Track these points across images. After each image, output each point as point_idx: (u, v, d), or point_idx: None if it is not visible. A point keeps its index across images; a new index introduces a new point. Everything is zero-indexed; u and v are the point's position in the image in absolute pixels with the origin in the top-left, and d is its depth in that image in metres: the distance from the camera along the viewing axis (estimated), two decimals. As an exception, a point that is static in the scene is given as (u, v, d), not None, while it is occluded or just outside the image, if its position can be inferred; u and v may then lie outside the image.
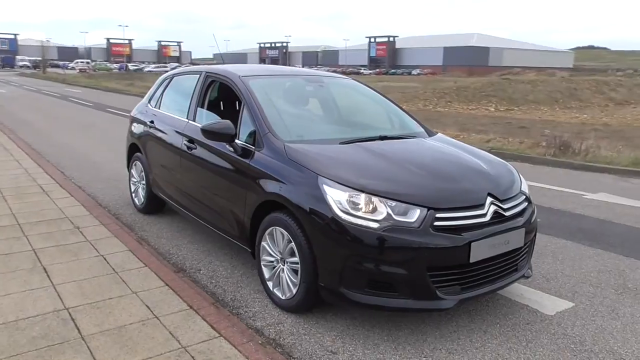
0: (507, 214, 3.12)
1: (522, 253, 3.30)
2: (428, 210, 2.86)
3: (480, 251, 2.93)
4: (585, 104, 29.07)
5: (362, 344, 2.96)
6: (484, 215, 3.00)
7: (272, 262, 3.41)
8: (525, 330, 3.15)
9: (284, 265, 3.31)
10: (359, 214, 2.85)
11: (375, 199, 2.88)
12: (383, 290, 2.85)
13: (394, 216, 2.83)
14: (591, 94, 31.97)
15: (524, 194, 3.39)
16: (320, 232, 2.94)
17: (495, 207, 3.07)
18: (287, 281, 3.27)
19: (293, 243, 3.14)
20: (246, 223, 3.58)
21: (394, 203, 2.86)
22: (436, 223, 2.85)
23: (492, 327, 3.18)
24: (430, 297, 2.85)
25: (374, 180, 3.01)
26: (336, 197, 2.92)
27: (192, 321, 3.08)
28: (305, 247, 3.04)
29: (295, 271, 3.22)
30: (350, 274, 2.87)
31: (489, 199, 3.07)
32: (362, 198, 2.88)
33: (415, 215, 2.84)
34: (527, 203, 3.35)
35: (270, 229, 3.34)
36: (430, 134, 4.20)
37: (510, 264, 3.21)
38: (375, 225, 2.81)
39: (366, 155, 3.35)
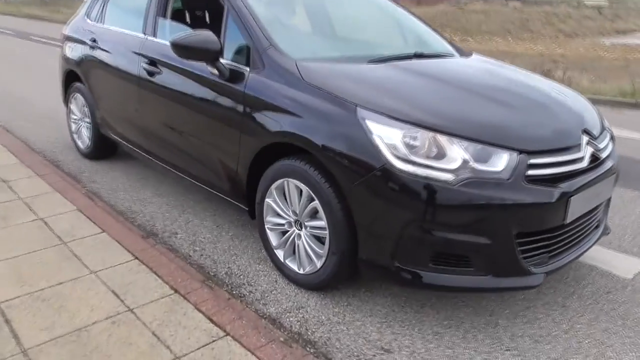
0: (602, 156, 2.37)
1: (603, 205, 2.59)
2: (519, 155, 2.04)
3: (577, 207, 2.18)
4: (536, 35, 28.80)
5: (420, 334, 2.21)
6: (582, 159, 2.23)
7: (281, 225, 2.53)
8: (611, 302, 2.50)
9: (300, 230, 2.45)
10: (423, 160, 1.99)
11: (443, 140, 2.02)
12: (453, 265, 2.07)
13: (473, 164, 2.00)
14: (542, 26, 31.80)
15: (608, 130, 2.64)
16: (363, 188, 2.08)
17: (592, 149, 2.30)
18: (306, 251, 2.43)
19: (317, 202, 2.27)
20: (241, 174, 2.65)
21: (471, 145, 2.02)
22: (529, 172, 2.05)
23: (569, 299, 2.51)
24: (516, 271, 2.10)
25: (437, 113, 2.14)
26: (387, 137, 2.04)
27: (181, 313, 2.20)
28: (338, 208, 2.19)
29: (318, 238, 2.38)
30: (409, 245, 2.05)
31: (585, 138, 2.29)
32: (425, 138, 2.02)
33: (502, 161, 2.02)
34: (612, 142, 2.60)
35: (280, 181, 2.44)
36: (466, 53, 3.33)
37: (594, 220, 2.50)
38: (448, 177, 1.97)
39: (413, 79, 2.46)
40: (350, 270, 2.31)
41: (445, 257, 2.06)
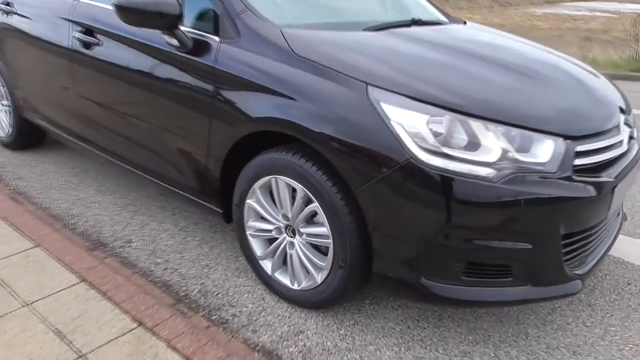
0: (635, 136, 2.08)
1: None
2: (564, 141, 1.69)
3: (618, 198, 1.89)
4: (473, 4, 29.26)
5: (446, 356, 1.85)
6: (622, 142, 1.92)
7: (268, 231, 2.08)
8: (636, 296, 2.26)
9: (293, 237, 2.01)
10: (457, 152, 1.60)
11: (477, 126, 1.63)
12: (488, 277, 1.72)
13: (514, 154, 1.62)
14: (477, -6, 32.37)
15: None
16: (380, 189, 1.66)
17: (629, 129, 2.00)
18: (301, 262, 2.00)
19: (317, 204, 1.84)
20: (212, 169, 2.16)
21: (510, 131, 1.65)
22: (576, 161, 1.71)
23: (592, 296, 2.25)
24: (557, 278, 1.78)
25: (465, 92, 1.74)
26: (410, 125, 1.62)
27: (151, 355, 1.73)
28: (345, 211, 1.77)
29: (317, 247, 1.96)
30: (439, 255, 1.67)
31: (622, 117, 1.98)
32: (454, 124, 1.62)
33: (547, 150, 1.66)
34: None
35: (266, 179, 1.98)
36: (458, 20, 2.95)
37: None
38: (488, 172, 1.59)
39: (425, 50, 2.03)
40: (359, 286, 1.91)
41: (480, 267, 1.70)
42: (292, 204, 1.95)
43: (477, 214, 1.60)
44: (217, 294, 2.16)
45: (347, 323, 2.01)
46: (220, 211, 2.26)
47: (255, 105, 1.91)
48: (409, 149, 1.61)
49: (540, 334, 1.99)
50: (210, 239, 2.60)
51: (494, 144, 1.62)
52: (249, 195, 2.07)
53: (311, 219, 1.94)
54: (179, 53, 2.12)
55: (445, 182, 1.59)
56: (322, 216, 1.84)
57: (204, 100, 2.07)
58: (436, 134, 1.61)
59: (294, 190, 1.93)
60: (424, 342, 1.93)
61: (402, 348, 1.89)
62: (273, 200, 2.03)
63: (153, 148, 2.43)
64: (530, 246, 1.66)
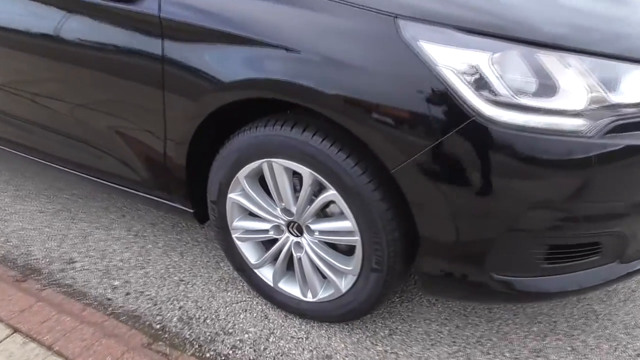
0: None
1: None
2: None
3: None
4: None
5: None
6: None
7: (263, 232, 1.57)
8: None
9: (300, 236, 1.52)
10: (533, 101, 1.14)
11: (551, 61, 1.17)
12: (572, 260, 1.31)
13: (606, 94, 1.18)
14: None
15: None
16: (432, 163, 1.18)
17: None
18: (314, 267, 1.52)
19: (334, 191, 1.34)
20: (174, 158, 1.60)
21: (594, 63, 1.20)
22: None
23: None
24: (642, 249, 1.41)
25: (529, 18, 1.26)
26: (464, 68, 1.14)
27: None
28: (375, 197, 1.29)
29: (335, 247, 1.49)
30: (515, 241, 1.24)
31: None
32: (525, 59, 1.15)
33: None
34: None
35: (254, 165, 1.45)
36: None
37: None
38: (579, 124, 1.15)
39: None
40: (390, 291, 1.47)
41: (565, 250, 1.29)
42: (294, 194, 1.45)
43: (569, 183, 1.17)
44: (205, 319, 1.65)
45: (382, 334, 1.57)
46: (191, 210, 1.71)
47: (229, 66, 1.35)
48: (470, 104, 1.13)
49: (611, 311, 1.65)
50: (177, 242, 2.05)
51: (576, 83, 1.17)
52: (232, 188, 1.54)
53: (322, 212, 1.45)
54: (109, 3, 1.50)
55: (524, 144, 1.13)
56: (342, 207, 1.36)
57: (151, 67, 1.47)
58: (504, 79, 1.14)
59: (295, 175, 1.43)
60: (482, 344, 1.53)
61: (460, 358, 1.48)
62: (268, 192, 1.51)
63: (84, 137, 1.81)
64: (628, 214, 1.26)
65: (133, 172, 1.77)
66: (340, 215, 1.41)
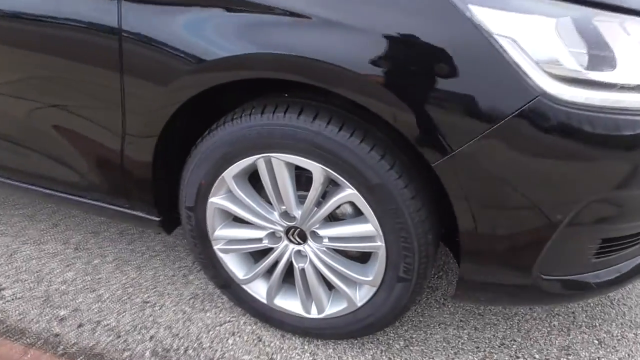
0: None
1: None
2: None
3: None
4: None
5: (548, 363, 1.34)
6: None
7: (255, 241, 1.30)
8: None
9: (303, 244, 1.27)
10: (603, 77, 0.96)
11: (609, 28, 1.00)
12: (619, 251, 1.18)
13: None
14: None
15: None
16: (484, 154, 0.98)
17: None
18: (320, 280, 1.29)
19: (354, 191, 1.11)
20: (135, 156, 1.27)
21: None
22: None
23: None
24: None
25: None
26: (526, 38, 0.93)
27: None
28: (406, 196, 1.08)
29: (346, 254, 1.26)
30: (569, 238, 1.08)
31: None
32: (594, 28, 0.97)
33: None
34: None
35: (248, 163, 1.17)
36: None
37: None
38: (648, 100, 1.00)
39: None
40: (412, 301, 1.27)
41: (616, 243, 1.15)
42: (295, 195, 1.19)
43: (635, 168, 1.02)
44: (186, 349, 1.36)
45: (398, 347, 1.38)
46: (157, 218, 1.40)
47: (215, 38, 1.05)
48: (533, 80, 0.93)
49: (622, 294, 1.57)
50: (130, 254, 1.72)
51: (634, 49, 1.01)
52: (215, 190, 1.25)
53: (334, 213, 1.22)
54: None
55: (597, 124, 0.96)
56: (363, 208, 1.12)
57: (103, 42, 1.13)
58: (572, 50, 0.95)
59: (297, 169, 1.17)
60: (508, 347, 1.38)
61: (490, 367, 1.33)
62: (260, 194, 1.24)
63: (15, 138, 1.42)
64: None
65: (75, 175, 1.41)
66: (356, 218, 1.19)
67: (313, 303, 1.33)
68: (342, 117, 1.08)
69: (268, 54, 1.02)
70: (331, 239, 1.22)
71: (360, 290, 1.26)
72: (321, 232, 1.22)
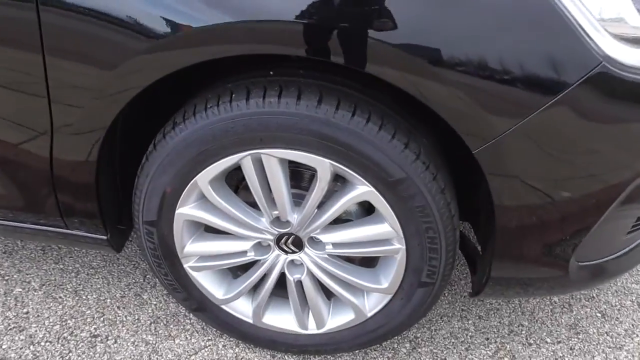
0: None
1: None
2: None
3: None
4: None
5: None
6: None
7: (238, 254, 1.06)
8: None
9: (299, 252, 1.05)
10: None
11: None
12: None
13: None
14: None
15: None
16: (540, 132, 0.81)
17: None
18: (317, 290, 1.09)
19: (370, 187, 0.90)
20: (70, 163, 0.96)
21: None
22: None
23: None
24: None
25: None
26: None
27: None
28: (435, 190, 0.90)
29: (351, 260, 1.07)
30: (613, 222, 0.96)
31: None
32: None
33: None
34: None
35: (230, 163, 0.92)
36: None
37: None
38: None
39: None
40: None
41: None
42: (288, 195, 0.96)
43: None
44: (159, 393, 1.11)
45: (405, 350, 1.23)
46: (103, 237, 1.10)
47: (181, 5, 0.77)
48: (596, 44, 0.77)
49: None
50: (62, 276, 1.39)
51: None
52: (184, 199, 0.98)
53: (347, 214, 1.02)
54: None
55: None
56: (380, 207, 0.93)
57: (16, 16, 0.80)
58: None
59: (291, 165, 0.95)
60: (517, 333, 1.28)
61: (505, 358, 1.22)
62: (243, 199, 1.00)
63: None
64: None
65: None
66: (366, 219, 0.99)
67: (310, 317, 1.13)
68: (353, 98, 0.86)
69: (263, 20, 0.76)
70: (336, 244, 1.01)
71: (369, 298, 1.08)
72: (323, 238, 1.00)
